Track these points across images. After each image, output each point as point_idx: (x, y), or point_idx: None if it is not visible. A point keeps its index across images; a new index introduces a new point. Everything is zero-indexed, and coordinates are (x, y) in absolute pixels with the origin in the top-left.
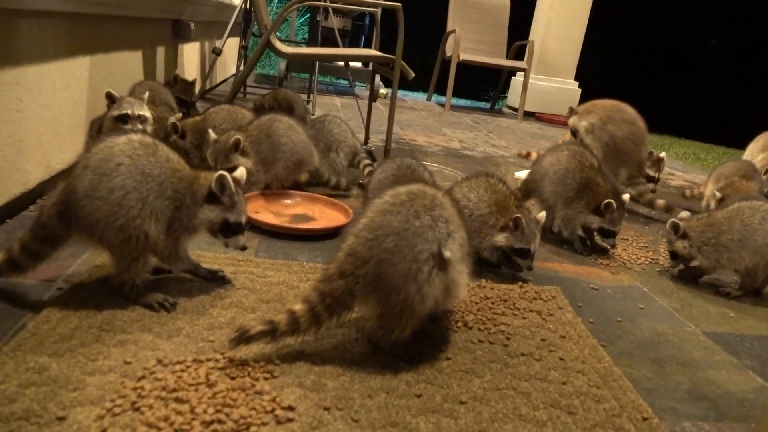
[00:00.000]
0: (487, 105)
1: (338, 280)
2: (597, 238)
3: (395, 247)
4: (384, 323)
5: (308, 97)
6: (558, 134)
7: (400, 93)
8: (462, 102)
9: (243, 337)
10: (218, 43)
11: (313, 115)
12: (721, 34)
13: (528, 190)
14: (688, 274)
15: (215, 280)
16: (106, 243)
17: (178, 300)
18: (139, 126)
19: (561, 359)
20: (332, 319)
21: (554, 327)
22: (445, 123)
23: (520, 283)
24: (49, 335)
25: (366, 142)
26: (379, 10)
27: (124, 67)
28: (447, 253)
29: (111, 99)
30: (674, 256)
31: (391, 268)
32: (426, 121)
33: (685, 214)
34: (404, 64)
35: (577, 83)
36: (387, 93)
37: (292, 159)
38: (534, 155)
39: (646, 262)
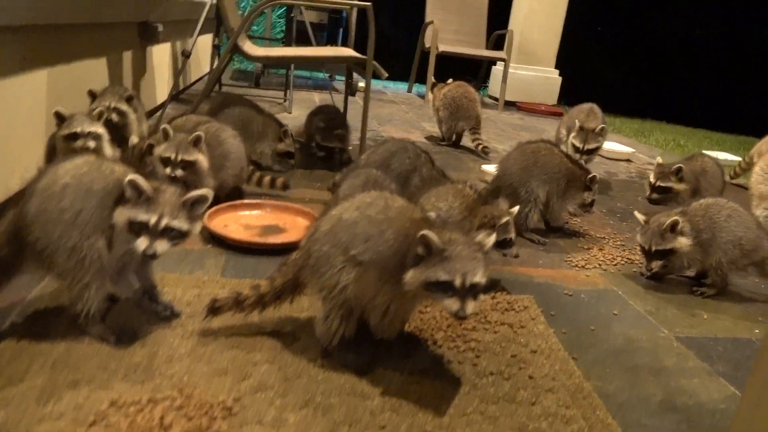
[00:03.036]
0: None
1: (297, 253)
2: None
3: (326, 230)
4: (322, 313)
5: (285, 94)
6: (538, 124)
7: (380, 85)
8: None
9: (213, 307)
10: (188, 45)
11: (290, 113)
12: (703, 22)
13: (499, 188)
14: (657, 274)
15: (160, 318)
16: (57, 268)
17: (137, 329)
18: (91, 143)
19: (530, 377)
20: (285, 287)
21: (525, 340)
22: (425, 116)
23: (492, 294)
24: None
25: None
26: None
27: (88, 75)
28: (352, 251)
29: (60, 118)
30: (664, 254)
31: (317, 246)
32: (405, 115)
33: (641, 216)
34: (377, 63)
35: (557, 72)
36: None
37: (238, 166)
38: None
39: (622, 262)
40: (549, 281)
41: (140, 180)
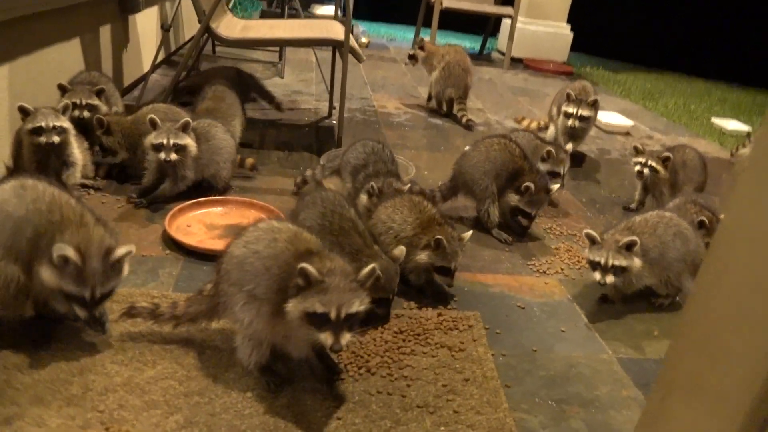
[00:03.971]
0: (478, 43)
1: (210, 286)
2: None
3: (226, 269)
4: (237, 342)
5: (279, 55)
6: (543, 85)
7: (385, 37)
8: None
9: (130, 312)
10: (168, 17)
11: (282, 77)
12: None
13: (457, 185)
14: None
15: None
16: None
17: (78, 355)
18: (55, 138)
19: (455, 411)
20: (199, 315)
21: (461, 366)
22: (423, 79)
23: (439, 310)
24: None
25: (329, 113)
26: None
27: (57, 61)
28: (246, 287)
29: (24, 112)
30: (618, 270)
31: (223, 284)
32: (402, 79)
33: (594, 233)
34: (354, 47)
35: (569, 26)
36: (369, 43)
37: (229, 159)
38: (527, 122)
39: (587, 266)
40: (505, 291)
41: (69, 252)
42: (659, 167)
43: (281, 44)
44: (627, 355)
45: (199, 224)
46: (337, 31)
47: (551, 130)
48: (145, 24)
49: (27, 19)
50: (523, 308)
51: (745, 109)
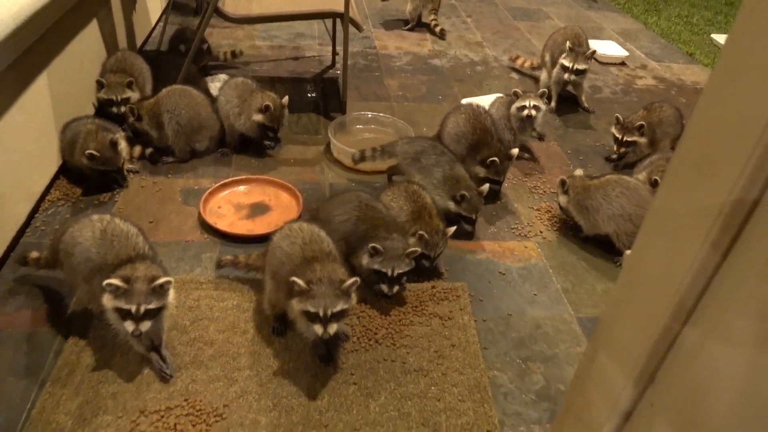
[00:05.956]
0: None
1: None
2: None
3: (269, 248)
4: (264, 297)
5: None
6: (544, 3)
7: None
8: None
9: (219, 264)
10: None
11: None
12: None
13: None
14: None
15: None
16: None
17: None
18: (123, 108)
19: (443, 374)
20: (262, 266)
21: (449, 333)
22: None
23: (433, 282)
24: (61, 394)
25: (333, 62)
26: None
27: (82, 50)
28: (272, 269)
29: (100, 84)
30: (561, 207)
31: (267, 257)
32: (403, 5)
33: (579, 172)
34: (354, 17)
35: None
36: None
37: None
38: (521, 60)
39: (566, 225)
40: (490, 258)
41: (115, 281)
42: (638, 139)
43: (285, 19)
44: (587, 314)
45: (227, 204)
46: (335, 8)
47: (544, 75)
48: None
49: (54, 24)
50: (503, 274)
51: None
